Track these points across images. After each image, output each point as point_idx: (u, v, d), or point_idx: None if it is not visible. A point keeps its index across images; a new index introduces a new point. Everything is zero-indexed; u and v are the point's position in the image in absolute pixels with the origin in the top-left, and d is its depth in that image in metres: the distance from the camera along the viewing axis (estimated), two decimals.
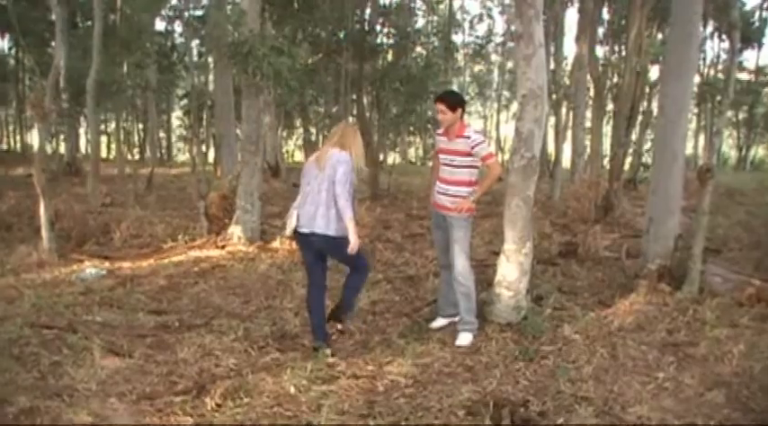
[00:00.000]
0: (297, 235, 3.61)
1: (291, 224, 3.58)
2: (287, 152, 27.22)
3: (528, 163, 4.12)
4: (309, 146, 20.72)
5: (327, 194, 3.47)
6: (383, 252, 6.43)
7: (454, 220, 3.94)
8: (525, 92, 4.07)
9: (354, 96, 12.49)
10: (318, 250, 3.60)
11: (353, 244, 3.46)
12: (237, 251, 6.49)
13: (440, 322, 4.27)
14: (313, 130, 21.94)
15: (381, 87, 11.88)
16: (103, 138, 23.56)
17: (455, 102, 3.92)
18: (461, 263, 3.96)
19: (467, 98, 31.09)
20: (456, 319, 4.15)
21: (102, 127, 21.33)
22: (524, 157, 4.11)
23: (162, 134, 26.62)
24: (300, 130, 24.76)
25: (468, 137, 3.88)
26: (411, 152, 29.51)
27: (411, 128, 14.47)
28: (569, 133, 13.26)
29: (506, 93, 29.88)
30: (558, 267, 5.91)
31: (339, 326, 3.92)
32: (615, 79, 16.24)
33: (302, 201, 3.61)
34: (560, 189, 11.13)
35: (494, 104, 32.45)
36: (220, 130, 11.58)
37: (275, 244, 6.71)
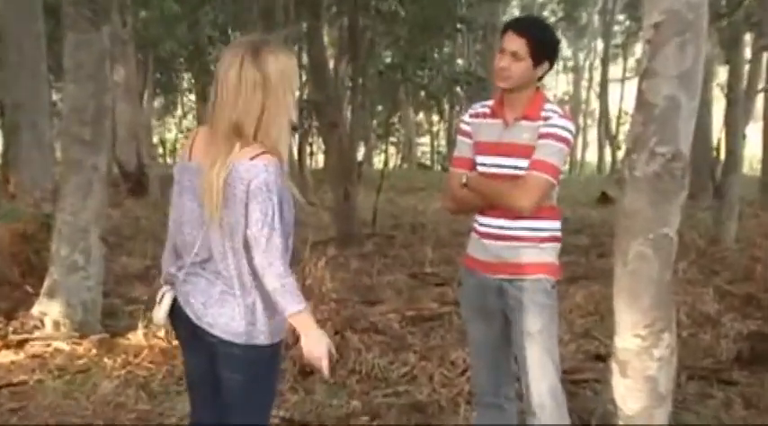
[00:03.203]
0: (174, 322, 3.58)
1: (164, 306, 3.52)
2: (162, 143, 27.35)
3: (665, 166, 4.19)
4: None
5: (238, 257, 3.38)
6: (362, 352, 6.45)
7: (527, 294, 3.91)
8: (660, 18, 4.15)
9: (305, 27, 12.62)
10: (212, 356, 3.53)
11: (316, 350, 3.36)
12: (53, 353, 6.52)
13: None
14: None
15: (361, 9, 12.03)
16: None
17: (545, 42, 3.88)
18: (546, 384, 3.94)
19: None
20: None
21: None
22: (657, 156, 4.19)
23: None
24: (192, 98, 24.96)
25: (548, 118, 3.82)
26: (422, 144, 29.77)
27: (422, 94, 14.63)
28: (759, 106, 13.34)
29: (622, 20, 30.41)
30: (737, 387, 5.98)
31: None
32: None
33: (183, 263, 3.53)
34: (738, 220, 11.25)
35: (592, 44, 33.01)
36: (15, 96, 11.63)
37: (134, 335, 6.77)
